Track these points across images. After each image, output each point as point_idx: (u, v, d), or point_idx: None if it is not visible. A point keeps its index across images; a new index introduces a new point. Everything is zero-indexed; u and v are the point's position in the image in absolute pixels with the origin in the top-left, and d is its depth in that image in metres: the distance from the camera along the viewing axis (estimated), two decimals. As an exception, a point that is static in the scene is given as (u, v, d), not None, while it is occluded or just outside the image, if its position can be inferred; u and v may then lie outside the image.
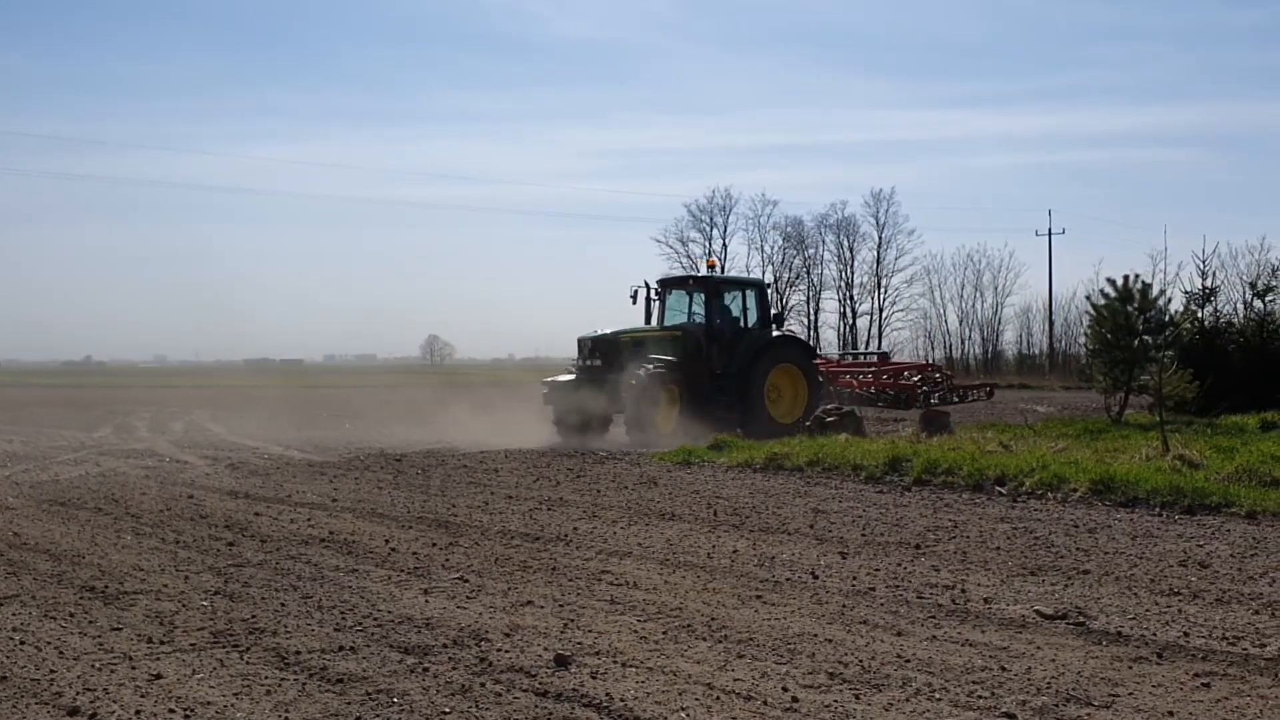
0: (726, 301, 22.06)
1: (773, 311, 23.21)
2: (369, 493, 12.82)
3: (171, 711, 4.96)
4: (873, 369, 24.66)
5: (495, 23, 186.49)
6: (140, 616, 6.71)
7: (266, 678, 5.44)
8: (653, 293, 22.12)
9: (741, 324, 21.92)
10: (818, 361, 23.16)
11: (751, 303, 22.25)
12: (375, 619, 6.61)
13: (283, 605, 7.00)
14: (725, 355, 21.17)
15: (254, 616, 6.68)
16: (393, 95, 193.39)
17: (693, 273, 22.91)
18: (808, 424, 18.58)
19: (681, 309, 22.21)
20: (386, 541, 9.42)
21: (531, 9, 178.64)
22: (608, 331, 21.17)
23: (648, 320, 21.98)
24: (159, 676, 5.44)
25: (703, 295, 21.91)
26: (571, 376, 21.13)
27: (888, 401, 22.15)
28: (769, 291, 23.08)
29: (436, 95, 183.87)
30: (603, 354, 20.63)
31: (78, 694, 5.19)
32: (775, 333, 22.42)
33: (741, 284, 23.13)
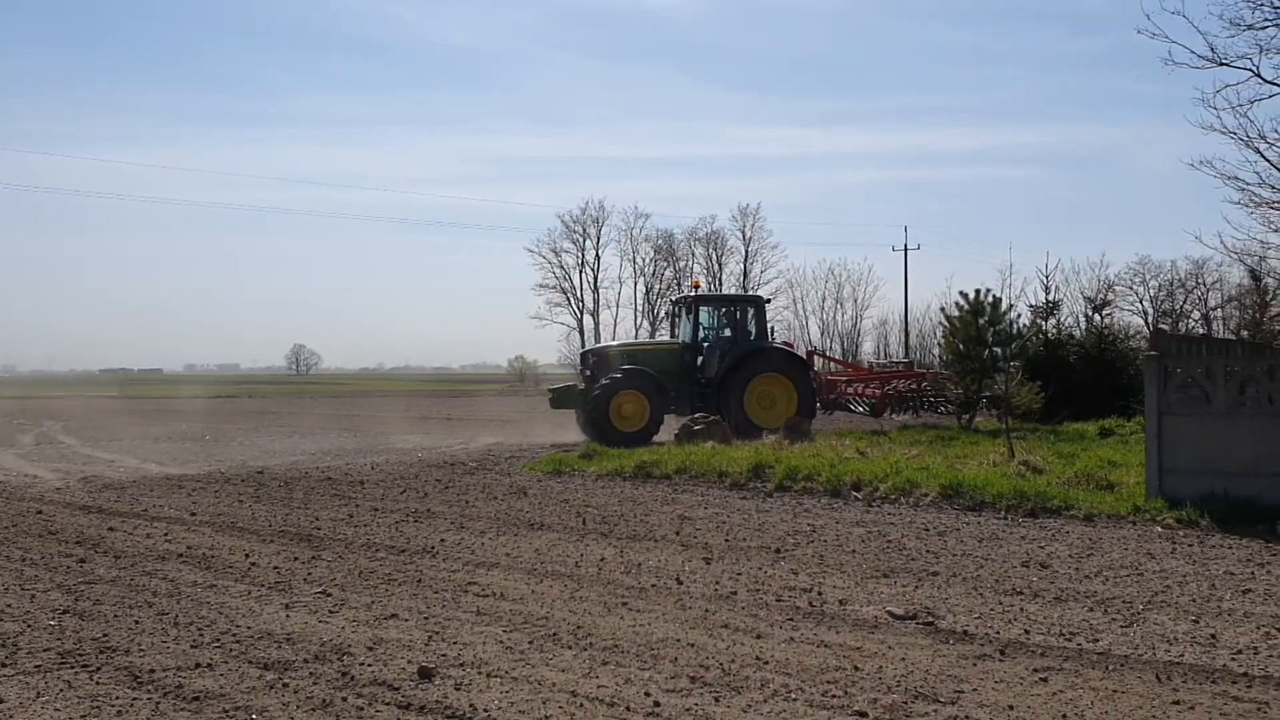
0: (724, 317, 23.72)
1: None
2: (229, 506, 12.49)
3: (15, 736, 4.79)
4: (849, 378, 25.68)
5: (359, 27, 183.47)
6: (-19, 639, 6.43)
7: (118, 698, 5.28)
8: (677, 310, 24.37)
9: (736, 337, 23.19)
10: (815, 370, 25.31)
11: (749, 317, 23.57)
12: (234, 635, 6.48)
13: (136, 623, 6.80)
14: (716, 365, 22.47)
15: (105, 635, 6.47)
16: (251, 97, 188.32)
17: (688, 293, 24.29)
18: (676, 433, 19.03)
19: (697, 323, 23.65)
20: (247, 556, 9.22)
21: (397, 14, 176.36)
22: (601, 345, 23.99)
23: (672, 334, 24.16)
24: None
25: (690, 311, 23.55)
26: (570, 385, 23.59)
27: (868, 409, 23.48)
28: (766, 307, 24.24)
29: (297, 98, 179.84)
30: (595, 365, 22.70)
31: (-88, 721, 4.96)
32: (765, 344, 23.35)
33: (736, 301, 24.96)
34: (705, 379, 22.52)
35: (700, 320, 23.27)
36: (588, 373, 22.85)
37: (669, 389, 22.15)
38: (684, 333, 23.62)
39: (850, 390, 25.19)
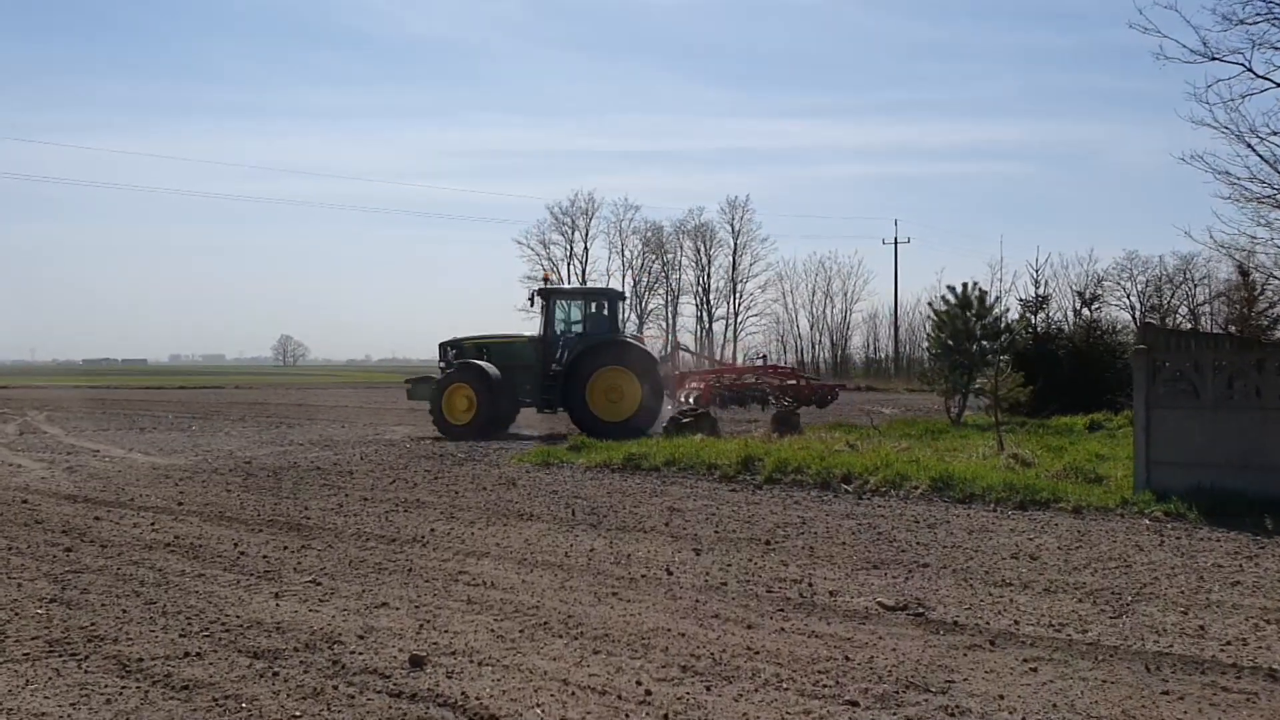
0: (577, 309, 23.47)
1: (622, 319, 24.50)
2: (217, 496, 12.44)
3: (3, 724, 4.76)
4: (708, 374, 25.56)
5: (341, 18, 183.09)
6: (-32, 627, 6.39)
7: (106, 686, 5.25)
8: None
9: (587, 330, 22.92)
10: (676, 366, 24.69)
11: (605, 310, 23.40)
12: (223, 624, 6.45)
13: (124, 612, 6.76)
14: (565, 358, 22.44)
15: (93, 624, 6.44)
16: (232, 87, 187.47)
17: (542, 285, 24.08)
18: (665, 425, 19.02)
19: (556, 316, 23.38)
20: (235, 545, 9.18)
21: (379, 6, 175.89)
22: (459, 337, 23.52)
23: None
24: (-11, 688, 5.21)
25: (544, 303, 23.39)
26: (426, 376, 23.65)
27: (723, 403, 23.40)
28: (620, 301, 24.04)
29: (279, 89, 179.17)
30: (452, 356, 22.95)
31: (-101, 709, 4.92)
32: (614, 337, 23.16)
33: (589, 294, 24.96)
34: (553, 371, 22.41)
35: (555, 313, 23.03)
36: (443, 364, 23.08)
37: (522, 381, 22.27)
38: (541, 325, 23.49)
39: (692, 384, 25.03)
